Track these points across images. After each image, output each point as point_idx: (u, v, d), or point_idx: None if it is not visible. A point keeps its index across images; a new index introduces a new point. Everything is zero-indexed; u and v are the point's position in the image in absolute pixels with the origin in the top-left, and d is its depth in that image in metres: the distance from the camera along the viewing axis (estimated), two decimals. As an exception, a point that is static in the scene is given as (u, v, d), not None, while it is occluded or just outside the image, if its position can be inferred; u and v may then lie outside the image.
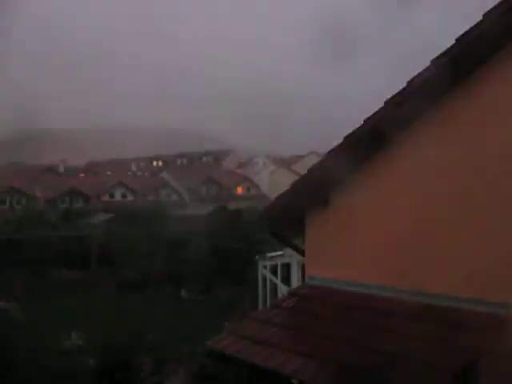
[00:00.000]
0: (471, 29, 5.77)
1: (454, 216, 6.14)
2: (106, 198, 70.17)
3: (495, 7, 5.63)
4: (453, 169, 6.16)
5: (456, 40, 5.85)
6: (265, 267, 21.57)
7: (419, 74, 6.10)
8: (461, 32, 5.83)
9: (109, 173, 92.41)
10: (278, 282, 20.22)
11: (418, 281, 6.34)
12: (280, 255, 19.67)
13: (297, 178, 8.09)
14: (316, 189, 7.37)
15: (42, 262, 35.37)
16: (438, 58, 5.97)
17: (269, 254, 21.09)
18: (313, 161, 8.86)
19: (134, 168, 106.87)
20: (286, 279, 19.07)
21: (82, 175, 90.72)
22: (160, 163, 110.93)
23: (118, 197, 71.44)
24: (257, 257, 22.47)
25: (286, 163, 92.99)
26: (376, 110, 6.47)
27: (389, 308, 6.45)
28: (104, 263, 36.50)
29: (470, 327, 5.71)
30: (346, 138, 6.76)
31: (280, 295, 18.31)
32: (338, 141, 6.88)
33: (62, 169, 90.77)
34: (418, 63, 6.07)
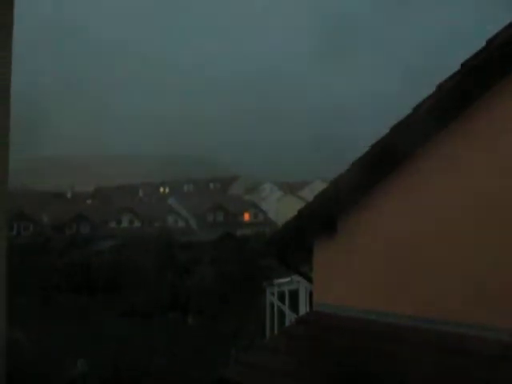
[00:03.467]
0: (477, 53, 5.79)
1: (465, 241, 6.10)
2: (113, 224, 70.24)
3: (497, 34, 5.67)
4: (463, 194, 6.14)
5: (461, 65, 5.88)
6: (272, 294, 21.44)
7: (425, 100, 6.13)
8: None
9: (116, 199, 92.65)
10: (286, 308, 20.08)
11: (428, 307, 6.29)
12: (287, 282, 19.57)
13: (304, 204, 8.09)
14: (323, 215, 7.37)
15: (48, 289, 35.34)
16: (444, 82, 6.00)
17: (276, 281, 20.99)
18: (319, 187, 8.89)
19: (141, 194, 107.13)
20: (294, 306, 18.95)
21: (90, 201, 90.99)
22: (167, 189, 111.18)
23: (125, 223, 71.47)
24: (264, 283, 22.36)
25: (292, 189, 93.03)
26: (382, 134, 6.50)
27: (399, 335, 6.39)
28: (111, 289, 36.43)
29: (478, 354, 5.64)
30: (353, 165, 6.78)
31: (288, 322, 18.18)
32: (344, 167, 6.91)
33: (69, 194, 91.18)
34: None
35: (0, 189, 5.66)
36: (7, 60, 5.75)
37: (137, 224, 71.82)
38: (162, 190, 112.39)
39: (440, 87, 6.03)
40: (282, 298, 20.61)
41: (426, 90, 6.09)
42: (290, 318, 18.41)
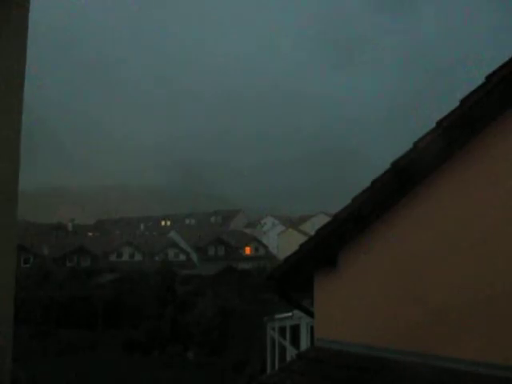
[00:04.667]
0: (476, 89, 5.86)
1: (468, 276, 6.07)
2: (113, 257, 70.02)
3: (496, 70, 5.75)
4: (468, 228, 6.13)
5: (460, 101, 5.95)
6: (273, 329, 21.25)
7: (425, 135, 6.18)
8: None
9: (117, 232, 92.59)
10: (287, 344, 19.87)
11: (434, 344, 6.21)
12: (288, 317, 19.40)
13: (305, 238, 8.07)
14: (324, 249, 7.35)
15: (47, 322, 35.04)
16: (443, 118, 6.06)
17: (277, 316, 20.82)
18: (321, 221, 8.89)
19: (142, 227, 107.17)
20: (295, 341, 18.76)
21: (91, 234, 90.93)
22: (168, 223, 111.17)
23: (125, 256, 71.27)
24: (265, 318, 22.18)
25: (294, 223, 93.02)
26: (382, 172, 6.55)
27: (402, 372, 6.30)
28: (111, 323, 36.15)
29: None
30: (354, 199, 6.80)
31: (289, 358, 17.96)
32: (346, 201, 6.93)
33: (70, 227, 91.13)
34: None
35: (9, 209, 5.50)
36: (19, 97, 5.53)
37: (138, 257, 71.60)
38: (163, 223, 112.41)
39: (439, 123, 6.09)
40: (282, 333, 20.42)
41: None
42: (291, 353, 18.21)
